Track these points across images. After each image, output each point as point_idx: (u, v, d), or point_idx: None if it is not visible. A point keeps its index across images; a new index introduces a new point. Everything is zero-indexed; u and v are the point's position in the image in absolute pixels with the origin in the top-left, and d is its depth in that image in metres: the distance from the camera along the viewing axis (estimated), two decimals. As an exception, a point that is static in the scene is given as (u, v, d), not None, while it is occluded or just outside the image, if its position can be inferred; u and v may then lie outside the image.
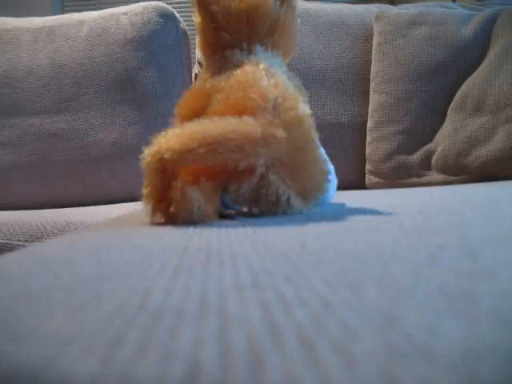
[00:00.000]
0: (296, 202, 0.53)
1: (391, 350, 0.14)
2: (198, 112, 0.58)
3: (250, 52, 0.63)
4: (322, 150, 0.63)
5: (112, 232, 0.45)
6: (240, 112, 0.51)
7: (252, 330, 0.16)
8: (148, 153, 0.49)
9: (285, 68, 0.66)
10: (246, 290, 0.21)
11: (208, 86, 0.60)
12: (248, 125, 0.49)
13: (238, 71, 0.58)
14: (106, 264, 0.28)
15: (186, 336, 0.15)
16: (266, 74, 0.57)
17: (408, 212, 0.55)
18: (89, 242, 0.38)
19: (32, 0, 3.20)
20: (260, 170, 0.50)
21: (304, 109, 0.56)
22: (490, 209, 0.55)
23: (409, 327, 0.16)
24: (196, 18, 0.66)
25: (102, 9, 1.57)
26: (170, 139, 0.48)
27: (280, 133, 0.50)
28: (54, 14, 2.99)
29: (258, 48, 0.64)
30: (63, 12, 3.30)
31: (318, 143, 0.59)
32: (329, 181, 0.60)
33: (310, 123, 0.56)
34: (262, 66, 0.59)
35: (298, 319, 0.17)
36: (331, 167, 0.68)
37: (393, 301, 0.19)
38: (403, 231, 0.38)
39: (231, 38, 0.64)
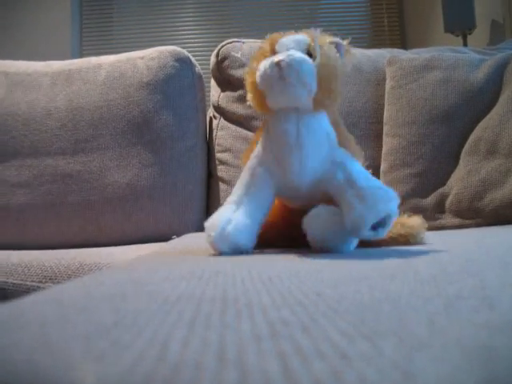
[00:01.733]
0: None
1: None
2: None
3: None
4: None
5: (127, 277, 0.45)
6: None
7: (271, 382, 0.16)
8: None
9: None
10: (264, 340, 0.21)
11: None
12: None
13: None
14: (122, 312, 0.28)
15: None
16: None
17: (423, 258, 0.55)
18: (104, 287, 0.39)
19: (52, 44, 3.28)
20: None
21: None
22: (505, 254, 0.55)
23: (427, 382, 0.16)
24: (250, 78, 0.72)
25: (119, 52, 1.61)
26: None
27: None
28: (73, 57, 3.07)
29: None
30: (82, 55, 3.38)
31: None
32: None
33: None
34: None
35: (317, 372, 0.17)
36: None
37: (410, 354, 0.19)
38: (419, 279, 0.38)
39: None
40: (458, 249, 0.67)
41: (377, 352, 0.19)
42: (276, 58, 0.63)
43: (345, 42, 0.72)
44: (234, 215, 0.66)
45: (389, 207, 0.62)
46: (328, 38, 0.70)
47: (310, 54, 0.66)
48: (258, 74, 0.65)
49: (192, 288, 0.36)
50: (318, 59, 0.64)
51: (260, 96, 0.67)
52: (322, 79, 0.64)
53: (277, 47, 0.67)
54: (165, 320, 0.25)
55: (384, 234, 0.63)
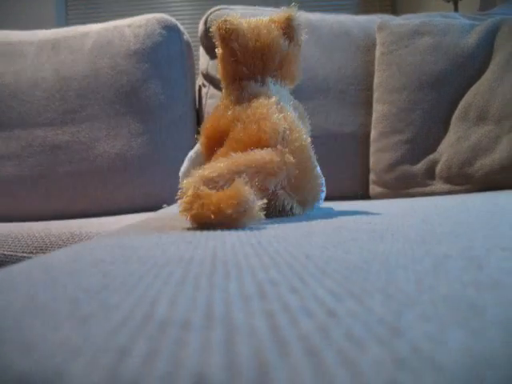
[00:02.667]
0: (297, 209, 0.68)
1: (397, 360, 0.14)
2: (222, 134, 0.70)
3: (263, 83, 0.76)
4: (318, 168, 0.74)
5: (117, 243, 0.45)
6: (256, 141, 0.65)
7: (258, 340, 0.16)
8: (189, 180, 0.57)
9: (291, 97, 0.81)
10: (252, 300, 0.21)
11: (229, 113, 0.71)
12: (267, 155, 0.63)
13: (254, 104, 0.70)
14: (111, 276, 0.28)
15: (192, 347, 0.15)
16: (276, 108, 0.70)
17: (412, 221, 0.55)
18: (94, 253, 0.38)
19: (36, 12, 3.22)
20: (272, 188, 0.63)
21: (307, 139, 0.70)
22: (493, 218, 0.55)
23: (415, 337, 0.16)
24: (218, 50, 0.78)
25: (106, 21, 1.58)
26: (206, 169, 0.60)
27: (290, 159, 0.64)
28: (59, 26, 3.02)
29: (270, 80, 0.77)
30: (67, 24, 3.33)
31: (315, 162, 0.73)
32: (322, 191, 0.77)
33: (310, 149, 0.71)
34: (273, 100, 0.71)
35: (304, 329, 0.17)
36: (323, 180, 0.77)
37: (398, 311, 0.19)
38: (407, 240, 0.38)
39: (247, 70, 0.77)
40: (446, 212, 0.67)
41: (365, 310, 0.19)
42: None
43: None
44: None
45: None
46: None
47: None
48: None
49: (181, 252, 0.36)
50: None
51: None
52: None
53: None
54: (153, 282, 0.25)
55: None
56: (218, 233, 0.48)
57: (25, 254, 0.86)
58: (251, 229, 0.51)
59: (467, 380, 0.13)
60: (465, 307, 0.19)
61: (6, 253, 0.87)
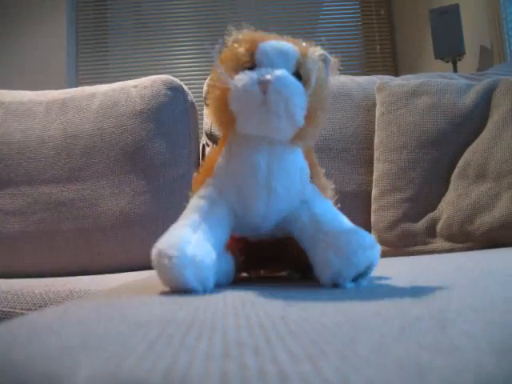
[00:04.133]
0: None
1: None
2: None
3: None
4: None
5: (106, 302, 0.46)
6: None
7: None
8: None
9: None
10: (214, 360, 0.22)
11: None
12: None
13: None
14: (90, 334, 0.29)
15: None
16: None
17: (401, 281, 0.56)
18: (80, 312, 0.40)
19: (47, 73, 3.32)
20: None
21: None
22: (480, 278, 0.56)
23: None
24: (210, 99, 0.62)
25: (115, 81, 1.63)
26: None
27: None
28: (69, 86, 3.11)
29: None
30: (78, 82, 3.43)
31: None
32: None
33: None
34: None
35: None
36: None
37: (346, 374, 0.20)
38: (387, 302, 0.39)
39: None
40: (437, 272, 0.68)
41: (316, 372, 0.20)
42: (261, 77, 0.51)
43: (332, 59, 0.62)
44: (193, 237, 0.52)
45: (369, 257, 0.53)
46: (316, 51, 0.60)
47: (298, 74, 0.55)
48: (234, 90, 0.53)
49: (165, 312, 0.37)
50: (311, 88, 0.55)
51: (226, 114, 0.55)
52: (311, 110, 0.55)
53: (257, 55, 0.55)
54: (128, 341, 0.27)
55: (365, 284, 0.54)
56: (208, 296, 0.49)
57: (23, 311, 0.87)
58: (245, 289, 0.52)
59: None
60: (411, 371, 0.20)
61: (4, 309, 0.88)
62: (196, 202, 0.59)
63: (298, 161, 0.60)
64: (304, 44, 0.60)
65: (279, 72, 0.52)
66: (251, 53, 0.56)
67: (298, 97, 0.53)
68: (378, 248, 0.55)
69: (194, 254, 0.49)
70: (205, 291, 0.50)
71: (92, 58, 3.69)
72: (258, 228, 0.61)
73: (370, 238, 0.54)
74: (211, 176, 0.61)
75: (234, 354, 0.23)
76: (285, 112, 0.52)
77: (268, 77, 0.51)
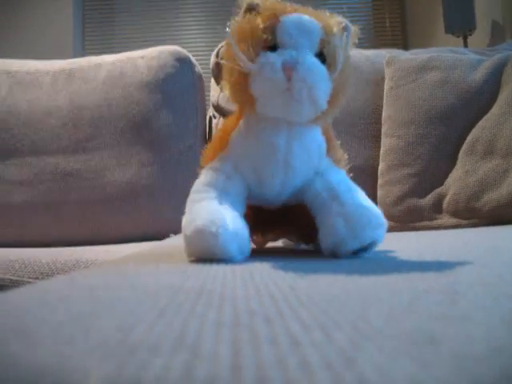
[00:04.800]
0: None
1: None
2: None
3: None
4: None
5: (114, 271, 0.46)
6: None
7: (216, 366, 0.17)
8: None
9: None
10: (224, 328, 0.22)
11: None
12: None
13: None
14: (99, 301, 0.29)
15: (154, 369, 0.16)
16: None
17: (408, 255, 0.56)
18: (89, 280, 0.40)
19: (54, 43, 3.30)
20: None
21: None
22: (487, 254, 0.56)
23: (364, 368, 0.17)
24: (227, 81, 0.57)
25: (122, 51, 1.62)
26: None
27: None
28: (75, 56, 3.09)
29: None
30: (84, 54, 3.40)
31: None
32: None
33: None
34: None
35: (262, 358, 0.18)
36: None
37: (358, 343, 0.20)
38: (395, 275, 0.39)
39: None
40: (444, 247, 0.67)
41: (328, 341, 0.20)
42: (285, 63, 0.50)
43: (352, 27, 0.59)
44: (226, 212, 0.52)
45: (376, 234, 0.55)
46: (338, 22, 0.56)
47: (321, 53, 0.53)
48: (256, 76, 0.51)
49: (172, 281, 0.37)
50: (337, 71, 0.54)
51: (246, 95, 0.53)
52: (334, 92, 0.54)
53: (279, 34, 0.52)
54: (138, 309, 0.27)
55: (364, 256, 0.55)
56: (215, 265, 0.49)
57: (31, 280, 0.88)
58: (252, 261, 0.52)
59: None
60: (423, 341, 0.20)
61: (12, 278, 0.89)
62: (211, 176, 0.58)
63: (316, 137, 0.60)
64: (327, 16, 0.57)
65: (304, 57, 0.51)
66: (272, 29, 0.53)
67: (323, 83, 0.52)
68: (385, 227, 0.56)
69: (235, 228, 0.51)
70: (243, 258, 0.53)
71: (99, 27, 3.66)
72: (272, 201, 0.62)
73: (381, 217, 0.55)
74: (226, 150, 0.60)
75: (244, 323, 0.23)
76: (308, 99, 0.51)
77: (292, 63, 0.50)
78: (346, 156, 0.68)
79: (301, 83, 0.50)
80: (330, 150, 0.62)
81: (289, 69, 0.50)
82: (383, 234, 0.56)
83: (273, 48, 0.52)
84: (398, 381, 0.16)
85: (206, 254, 0.50)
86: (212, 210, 0.52)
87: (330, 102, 0.53)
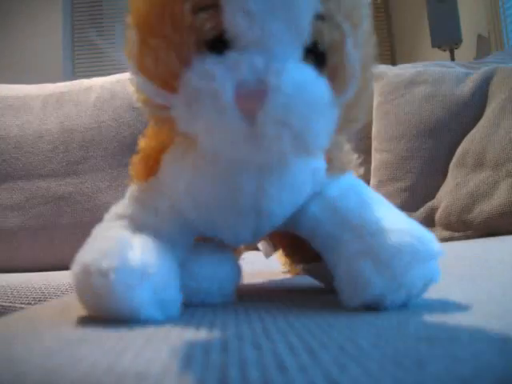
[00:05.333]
0: None
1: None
2: None
3: None
4: None
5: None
6: None
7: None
8: None
9: None
10: (212, 353, 0.22)
11: None
12: None
13: None
14: (89, 328, 0.29)
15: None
16: None
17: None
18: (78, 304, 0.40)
19: (44, 65, 3.31)
20: None
21: None
22: (478, 268, 0.56)
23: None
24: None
25: (112, 73, 1.63)
26: None
27: None
28: (66, 79, 3.10)
29: None
30: (74, 76, 3.41)
31: None
32: None
33: None
34: None
35: (248, 382, 0.18)
36: None
37: (344, 366, 0.20)
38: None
39: None
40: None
41: (314, 364, 0.20)
42: (240, 89, 0.27)
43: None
44: (135, 239, 0.34)
45: (428, 272, 0.34)
46: None
47: (315, 48, 0.31)
48: (183, 110, 0.30)
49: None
50: (352, 87, 0.32)
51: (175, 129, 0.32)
52: (347, 113, 0.33)
53: (227, 11, 0.28)
54: (126, 335, 0.27)
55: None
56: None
57: (23, 306, 0.87)
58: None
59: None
60: (409, 362, 0.20)
61: (4, 304, 0.88)
62: (136, 213, 0.40)
63: (307, 163, 0.39)
64: None
65: (281, 68, 0.28)
66: (213, 11, 0.29)
67: (322, 118, 0.30)
68: (438, 255, 0.35)
69: (147, 264, 0.32)
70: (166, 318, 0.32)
71: (88, 49, 3.67)
72: (242, 243, 0.44)
73: (429, 241, 0.34)
74: (159, 177, 0.41)
75: (233, 348, 0.23)
76: (293, 146, 0.29)
77: (257, 86, 0.28)
78: (355, 156, 0.47)
79: (277, 128, 0.28)
80: (332, 160, 0.41)
81: (250, 100, 0.28)
82: (437, 266, 0.35)
83: (217, 45, 0.30)
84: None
85: (98, 307, 0.32)
86: (112, 237, 0.35)
87: (338, 130, 0.33)
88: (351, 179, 0.41)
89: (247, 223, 0.37)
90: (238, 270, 0.42)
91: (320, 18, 0.30)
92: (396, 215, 0.37)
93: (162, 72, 0.31)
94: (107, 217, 0.41)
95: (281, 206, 0.37)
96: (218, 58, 0.29)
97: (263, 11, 0.28)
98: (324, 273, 0.40)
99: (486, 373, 0.19)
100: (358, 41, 0.32)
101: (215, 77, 0.28)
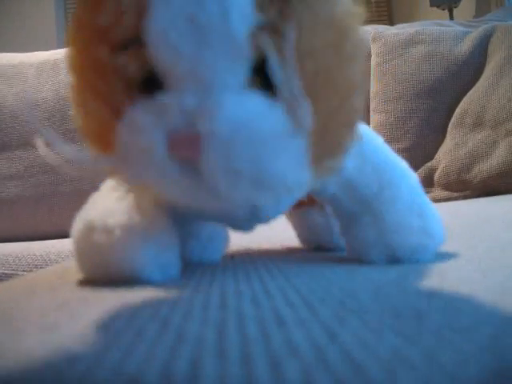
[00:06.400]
0: None
1: (325, 366, 0.15)
2: None
3: None
4: None
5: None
6: None
7: (200, 347, 0.17)
8: None
9: None
10: (212, 310, 0.22)
11: None
12: None
13: None
14: (88, 289, 0.29)
15: (138, 352, 0.17)
16: None
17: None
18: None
19: (38, 34, 3.27)
20: None
21: None
22: (478, 226, 0.56)
23: (347, 343, 0.17)
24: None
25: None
26: None
27: None
28: (60, 46, 3.06)
29: None
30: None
31: None
32: None
33: None
34: None
35: (246, 336, 0.18)
36: None
37: (343, 319, 0.20)
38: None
39: None
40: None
41: (313, 318, 0.20)
42: (174, 136, 0.24)
43: None
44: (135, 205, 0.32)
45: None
46: None
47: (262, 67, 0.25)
48: (117, 160, 0.28)
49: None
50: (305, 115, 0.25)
51: None
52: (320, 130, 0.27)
53: (151, 42, 0.24)
54: (124, 296, 0.27)
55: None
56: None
57: (25, 273, 0.88)
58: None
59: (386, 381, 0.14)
60: (409, 315, 0.20)
61: (6, 272, 0.89)
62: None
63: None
64: None
65: (214, 109, 0.24)
66: (136, 49, 0.25)
67: (278, 153, 0.25)
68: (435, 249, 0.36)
69: (147, 224, 0.31)
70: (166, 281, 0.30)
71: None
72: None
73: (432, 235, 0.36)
74: None
75: (231, 304, 0.23)
76: (261, 194, 0.26)
77: (190, 133, 0.24)
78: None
79: (227, 176, 0.25)
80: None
81: (185, 148, 0.25)
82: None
83: (149, 86, 0.26)
84: (382, 354, 0.16)
85: (97, 267, 0.31)
86: (118, 199, 0.33)
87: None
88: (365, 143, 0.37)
89: (243, 226, 0.33)
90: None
91: (263, 29, 0.24)
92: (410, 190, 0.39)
93: (95, 128, 0.28)
94: (104, 187, 0.38)
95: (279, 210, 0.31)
96: (148, 103, 0.25)
97: (189, 39, 0.23)
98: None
99: (485, 324, 0.19)
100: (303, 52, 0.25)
101: (144, 129, 0.25)
